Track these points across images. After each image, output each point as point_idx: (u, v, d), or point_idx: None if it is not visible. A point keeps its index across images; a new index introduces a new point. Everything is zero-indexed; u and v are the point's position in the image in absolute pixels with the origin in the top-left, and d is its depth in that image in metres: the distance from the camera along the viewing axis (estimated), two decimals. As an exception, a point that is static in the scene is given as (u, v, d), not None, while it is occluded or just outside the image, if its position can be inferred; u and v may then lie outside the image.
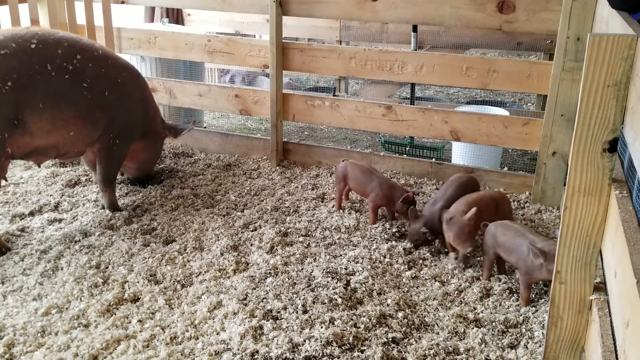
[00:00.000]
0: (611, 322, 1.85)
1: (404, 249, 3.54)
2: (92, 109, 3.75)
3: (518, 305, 3.02)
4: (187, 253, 3.51)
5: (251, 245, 3.58)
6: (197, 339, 2.74)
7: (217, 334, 2.77)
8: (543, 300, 3.04)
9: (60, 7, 4.87)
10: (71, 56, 3.63)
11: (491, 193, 3.82)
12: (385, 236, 3.72)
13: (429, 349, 2.65)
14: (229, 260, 3.39)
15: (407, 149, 5.52)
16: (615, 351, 1.74)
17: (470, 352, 2.66)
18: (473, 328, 2.84)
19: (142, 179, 4.60)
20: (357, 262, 3.34)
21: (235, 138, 5.28)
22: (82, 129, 3.76)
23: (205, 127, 5.94)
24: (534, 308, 2.99)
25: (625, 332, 1.50)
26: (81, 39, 3.83)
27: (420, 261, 3.46)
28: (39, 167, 4.01)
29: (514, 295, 3.11)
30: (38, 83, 3.46)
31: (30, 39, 3.48)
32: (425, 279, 3.27)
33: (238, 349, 2.61)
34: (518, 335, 2.79)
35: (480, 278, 3.25)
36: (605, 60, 1.79)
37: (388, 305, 2.96)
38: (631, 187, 2.47)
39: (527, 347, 2.70)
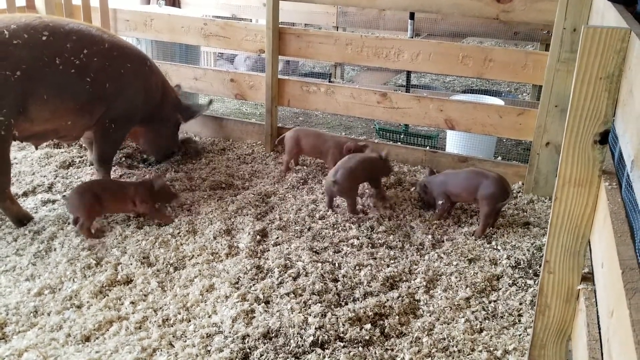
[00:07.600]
0: (597, 311, 1.87)
1: (397, 235, 3.57)
2: (92, 101, 3.78)
3: (507, 293, 3.05)
4: (180, 236, 3.53)
5: (243, 229, 3.59)
6: (189, 321, 2.77)
7: (209, 316, 2.79)
8: (531, 289, 3.08)
9: (56, -13, 4.84)
10: (79, 50, 3.64)
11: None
12: (375, 221, 3.74)
13: (417, 337, 2.68)
14: (221, 244, 3.41)
15: (402, 136, 5.52)
16: (600, 340, 1.77)
17: (459, 339, 2.69)
18: (462, 316, 2.87)
19: (159, 159, 4.70)
20: (349, 247, 3.36)
21: (230, 122, 5.28)
22: (80, 118, 3.79)
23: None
24: (522, 297, 3.03)
25: (610, 321, 1.52)
26: (90, 30, 3.82)
27: (413, 247, 3.49)
28: (36, 148, 4.02)
29: (502, 284, 3.15)
30: (45, 75, 3.49)
31: (42, 30, 3.50)
32: (416, 266, 3.30)
33: (229, 332, 2.64)
34: (506, 323, 2.83)
35: (470, 266, 3.28)
36: (599, 52, 1.79)
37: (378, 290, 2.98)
38: (620, 179, 2.49)
39: (514, 335, 2.74)
